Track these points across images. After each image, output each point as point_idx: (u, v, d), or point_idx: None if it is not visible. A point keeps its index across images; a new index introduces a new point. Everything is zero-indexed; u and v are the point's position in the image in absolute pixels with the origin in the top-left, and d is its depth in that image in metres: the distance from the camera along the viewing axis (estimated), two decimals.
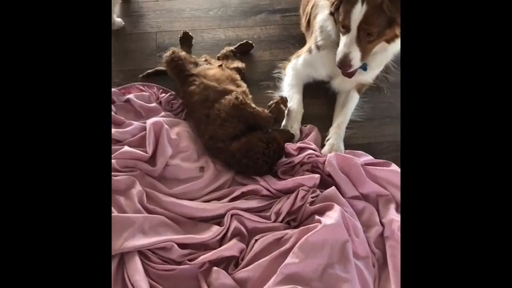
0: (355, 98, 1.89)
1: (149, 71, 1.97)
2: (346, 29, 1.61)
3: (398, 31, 1.60)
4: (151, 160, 1.63)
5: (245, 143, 1.59)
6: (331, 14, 1.70)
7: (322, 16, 1.78)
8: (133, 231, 1.40)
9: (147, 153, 1.61)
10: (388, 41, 1.67)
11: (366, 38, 1.60)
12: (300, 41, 2.14)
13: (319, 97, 1.95)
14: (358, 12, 1.55)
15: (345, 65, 1.65)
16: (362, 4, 1.54)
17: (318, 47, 1.83)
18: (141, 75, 1.95)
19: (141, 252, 1.38)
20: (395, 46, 1.73)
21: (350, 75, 1.73)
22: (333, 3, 1.65)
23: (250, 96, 1.79)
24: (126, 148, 1.61)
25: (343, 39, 1.63)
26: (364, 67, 1.75)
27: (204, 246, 1.44)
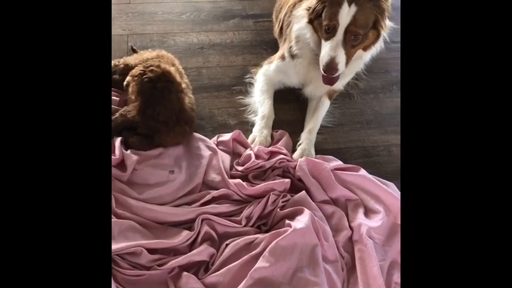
0: (326, 104, 1.91)
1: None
2: (332, 33, 1.60)
3: (383, 29, 1.62)
4: (121, 165, 1.60)
5: None
6: (310, 22, 1.70)
7: (299, 25, 1.78)
8: None
9: (114, 155, 1.59)
10: (365, 48, 1.70)
11: (352, 42, 1.60)
12: (272, 46, 2.16)
13: (290, 102, 1.97)
14: (346, 14, 1.54)
15: (331, 69, 1.62)
16: (350, 6, 1.54)
17: (292, 56, 1.84)
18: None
19: None
20: (369, 54, 1.77)
21: (332, 82, 1.72)
22: (314, 9, 1.65)
23: None
24: None
25: (327, 44, 1.62)
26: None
27: (174, 251, 1.43)
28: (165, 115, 1.60)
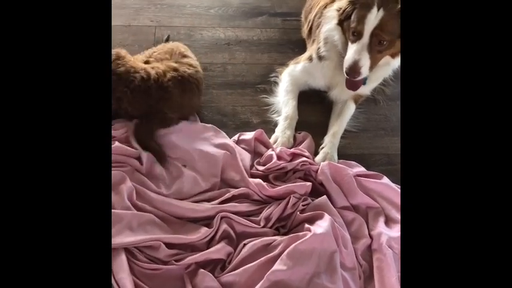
0: (351, 108, 1.89)
1: None
2: (358, 36, 1.58)
3: None
4: (140, 158, 1.61)
5: None
6: (339, 23, 1.69)
7: (328, 26, 1.76)
8: (121, 227, 1.38)
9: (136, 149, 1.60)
10: (393, 55, 1.67)
11: (377, 47, 1.58)
12: (299, 46, 2.13)
13: (315, 104, 1.95)
14: (373, 18, 1.53)
15: (354, 72, 1.61)
16: (378, 10, 1.52)
17: (319, 57, 1.82)
18: None
19: (128, 250, 1.37)
20: (397, 61, 1.73)
21: (355, 87, 1.71)
22: (344, 10, 1.64)
23: None
24: (117, 144, 1.58)
25: (353, 47, 1.60)
26: (363, 81, 1.74)
27: (192, 247, 1.43)
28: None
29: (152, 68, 1.68)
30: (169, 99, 1.67)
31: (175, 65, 1.73)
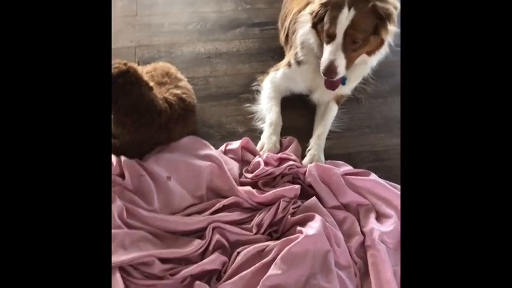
0: (334, 109, 1.91)
1: None
2: (332, 37, 1.61)
3: (384, 35, 1.62)
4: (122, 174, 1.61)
5: None
6: (313, 26, 1.72)
7: (303, 31, 1.79)
8: (114, 247, 1.37)
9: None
10: (369, 53, 1.70)
11: (351, 46, 1.61)
12: (278, 53, 2.17)
13: (298, 109, 1.97)
14: (345, 17, 1.56)
15: (330, 72, 1.63)
16: (349, 9, 1.55)
17: (298, 62, 1.84)
18: None
19: (122, 268, 1.36)
20: (374, 59, 1.76)
21: (333, 86, 1.73)
22: (317, 13, 1.66)
23: None
24: None
25: (328, 48, 1.63)
26: (342, 81, 1.77)
27: (186, 260, 1.43)
28: (126, 107, 1.57)
29: (162, 100, 1.64)
30: (171, 139, 1.70)
31: (178, 92, 1.71)
